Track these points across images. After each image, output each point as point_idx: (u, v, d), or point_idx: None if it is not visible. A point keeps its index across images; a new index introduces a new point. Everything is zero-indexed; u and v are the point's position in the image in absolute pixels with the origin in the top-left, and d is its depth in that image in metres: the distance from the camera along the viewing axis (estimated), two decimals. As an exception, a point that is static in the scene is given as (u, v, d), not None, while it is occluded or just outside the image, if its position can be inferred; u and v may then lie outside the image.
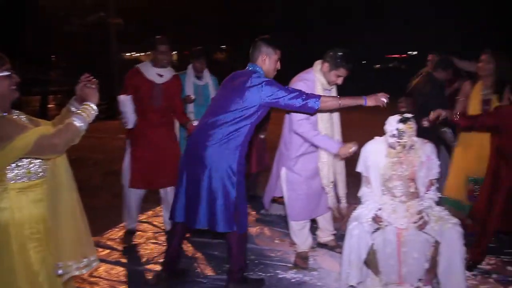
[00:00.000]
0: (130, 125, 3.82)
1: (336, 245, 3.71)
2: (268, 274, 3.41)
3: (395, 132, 2.77)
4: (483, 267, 3.43)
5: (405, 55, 24.68)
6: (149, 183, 3.93)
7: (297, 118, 3.23)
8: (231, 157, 2.91)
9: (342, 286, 2.86)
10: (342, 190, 3.63)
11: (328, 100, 2.95)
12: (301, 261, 3.52)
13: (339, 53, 3.24)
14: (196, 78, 4.60)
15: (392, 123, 2.79)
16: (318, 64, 3.38)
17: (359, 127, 5.57)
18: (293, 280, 3.31)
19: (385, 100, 2.95)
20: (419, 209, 2.76)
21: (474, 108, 3.85)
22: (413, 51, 23.25)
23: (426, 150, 2.86)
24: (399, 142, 2.78)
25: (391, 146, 2.84)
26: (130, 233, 4.03)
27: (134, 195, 3.94)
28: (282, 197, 3.64)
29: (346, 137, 3.56)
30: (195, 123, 3.81)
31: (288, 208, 3.48)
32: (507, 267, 3.42)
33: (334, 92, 3.49)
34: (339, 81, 3.34)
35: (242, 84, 2.89)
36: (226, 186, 2.89)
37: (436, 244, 2.73)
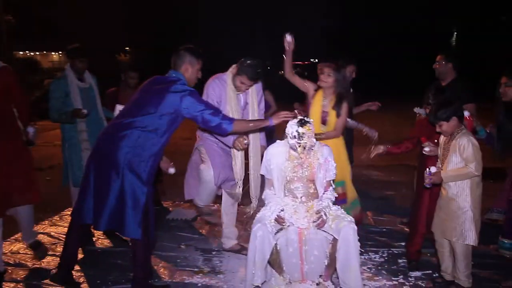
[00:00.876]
0: None
1: (242, 247, 3.77)
2: (174, 280, 3.37)
3: (296, 134, 2.89)
4: (377, 260, 3.70)
5: (308, 62, 25.90)
6: None
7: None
8: (142, 165, 2.87)
9: (248, 286, 2.90)
10: (254, 191, 3.76)
11: (239, 124, 3.08)
12: (208, 216, 3.90)
13: (247, 61, 3.40)
14: (79, 81, 3.94)
15: (293, 126, 2.91)
16: (233, 67, 3.53)
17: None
18: (199, 285, 3.30)
19: (288, 115, 3.03)
20: (318, 209, 2.90)
21: (314, 114, 3.77)
22: (315, 59, 24.55)
23: (324, 153, 3.02)
24: (299, 143, 2.90)
25: (292, 148, 2.95)
26: None
27: None
28: (186, 202, 3.68)
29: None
30: (31, 130, 3.58)
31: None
32: (398, 259, 3.71)
33: (252, 94, 3.65)
34: (243, 88, 3.47)
35: (165, 88, 2.86)
36: (136, 193, 2.85)
37: (334, 241, 2.88)
